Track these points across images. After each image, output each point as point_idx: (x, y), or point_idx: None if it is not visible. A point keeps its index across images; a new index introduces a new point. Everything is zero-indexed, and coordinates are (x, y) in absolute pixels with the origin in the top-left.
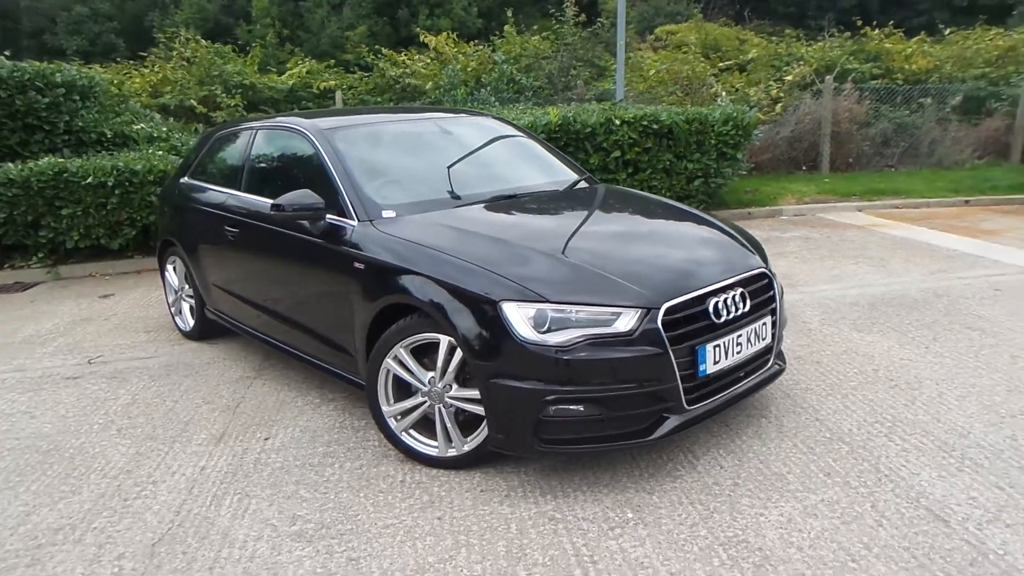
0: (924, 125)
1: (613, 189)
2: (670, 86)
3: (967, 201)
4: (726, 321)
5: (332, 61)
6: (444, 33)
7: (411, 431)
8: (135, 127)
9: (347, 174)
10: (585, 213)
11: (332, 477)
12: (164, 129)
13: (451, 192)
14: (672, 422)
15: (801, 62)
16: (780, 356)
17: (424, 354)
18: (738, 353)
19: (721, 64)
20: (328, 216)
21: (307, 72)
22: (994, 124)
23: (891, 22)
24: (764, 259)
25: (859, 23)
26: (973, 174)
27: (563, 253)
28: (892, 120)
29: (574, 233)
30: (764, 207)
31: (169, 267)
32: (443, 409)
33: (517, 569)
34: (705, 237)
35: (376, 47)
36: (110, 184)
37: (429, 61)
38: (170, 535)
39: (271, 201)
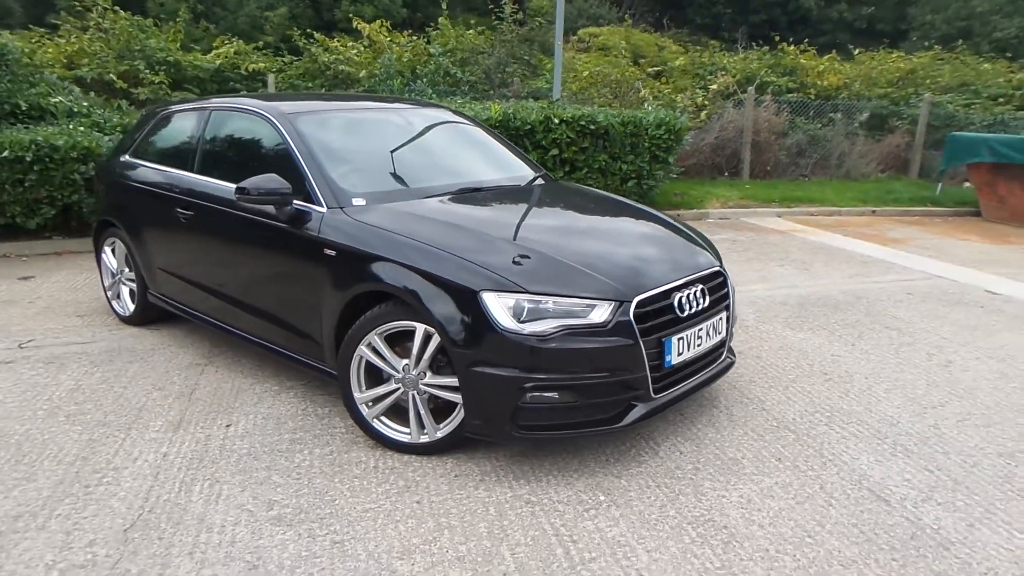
0: (834, 138)
1: (572, 186)
2: (601, 88)
3: (874, 211)
4: (689, 315)
5: (260, 43)
6: (378, 21)
7: (382, 418)
8: (52, 100)
9: (314, 160)
10: (551, 208)
11: (303, 463)
12: (85, 104)
13: (416, 182)
14: (640, 410)
15: (723, 72)
16: (730, 350)
17: (397, 342)
18: (698, 346)
19: (650, 69)
20: (295, 202)
21: (235, 53)
22: (895, 141)
23: (801, 39)
24: (719, 259)
25: (776, 38)
26: (877, 186)
27: (537, 246)
28: (806, 132)
29: (544, 227)
30: (692, 210)
31: (107, 249)
32: (416, 396)
33: (501, 548)
34: (666, 236)
35: (308, 31)
36: (28, 159)
37: (362, 49)
38: (142, 521)
39: (230, 184)
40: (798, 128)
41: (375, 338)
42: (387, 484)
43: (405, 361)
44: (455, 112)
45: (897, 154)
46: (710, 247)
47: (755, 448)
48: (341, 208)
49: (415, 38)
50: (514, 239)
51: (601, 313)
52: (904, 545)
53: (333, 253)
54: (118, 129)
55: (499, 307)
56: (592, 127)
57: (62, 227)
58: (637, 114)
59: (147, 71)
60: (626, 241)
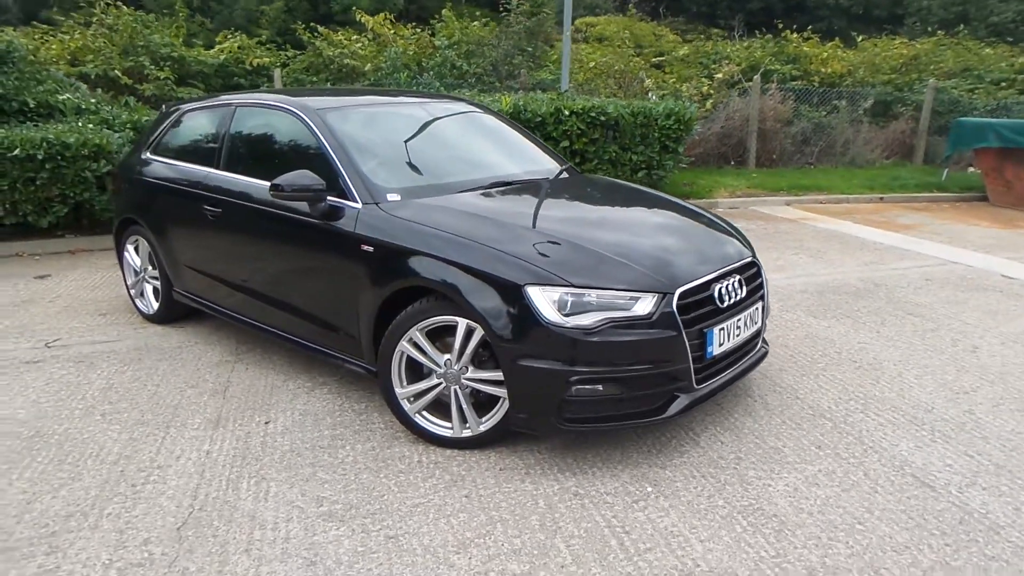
0: (839, 126)
1: (599, 178)
2: (606, 79)
3: (881, 198)
4: (728, 306)
5: (263, 37)
6: (381, 14)
7: (423, 412)
8: (61, 97)
9: (347, 156)
10: (584, 201)
11: (347, 459)
12: (93, 101)
13: (447, 177)
14: (683, 401)
15: (727, 61)
16: (763, 340)
17: (437, 337)
18: (737, 336)
19: (654, 59)
20: (328, 198)
21: (239, 47)
22: (900, 127)
23: (798, 26)
24: (751, 249)
25: (779, 25)
26: (883, 173)
27: (576, 239)
28: (810, 120)
29: (581, 220)
30: (701, 199)
31: (129, 247)
32: (459, 391)
33: (555, 541)
34: (701, 227)
35: (311, 24)
36: (40, 158)
37: (366, 42)
38: (194, 519)
39: (260, 181)
40: (803, 116)
41: (417, 333)
42: (433, 479)
43: (447, 356)
44: (478, 105)
45: (902, 140)
46: (742, 238)
47: (794, 436)
48: (376, 204)
49: (419, 31)
50: (553, 233)
51: (645, 305)
52: (954, 530)
53: (370, 249)
54: (128, 126)
55: (544, 301)
56: (602, 118)
57: (74, 225)
58: (647, 104)
59: (152, 67)
60: (663, 233)
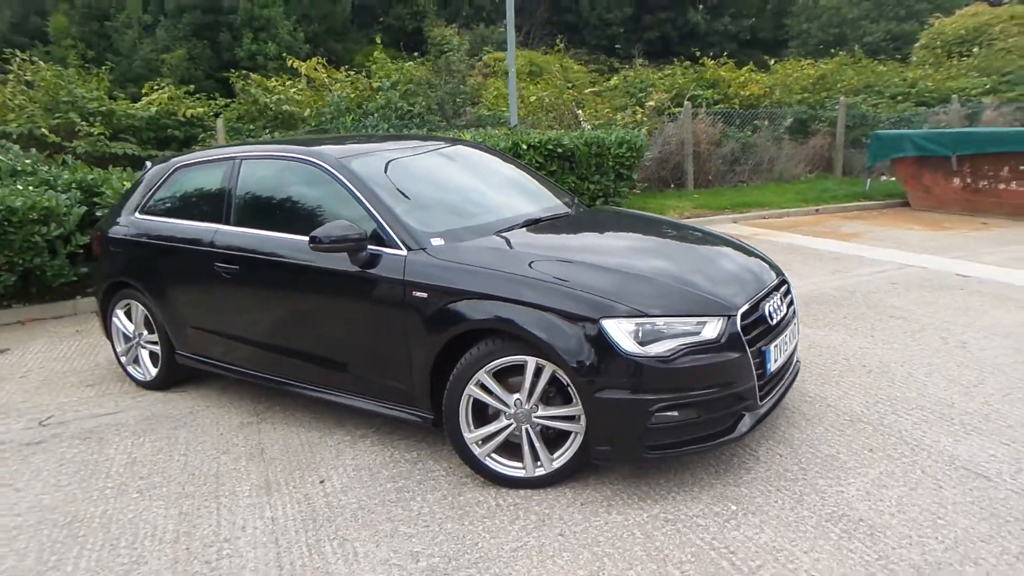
0: (763, 144)
1: (614, 209)
2: (545, 113)
3: (817, 209)
4: (777, 323)
5: (192, 87)
6: (314, 59)
7: (493, 455)
8: None
9: (381, 203)
10: (618, 232)
11: (423, 510)
12: (27, 161)
13: (477, 218)
14: (750, 419)
15: (654, 89)
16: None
17: (500, 378)
18: (786, 351)
19: (587, 91)
20: (369, 247)
21: (169, 99)
22: (818, 142)
23: (691, 52)
24: (779, 268)
25: (695, 53)
26: (811, 186)
27: (634, 269)
28: (738, 140)
29: (625, 250)
30: None
31: (119, 312)
32: (530, 429)
33: (668, 568)
34: (733, 251)
35: (243, 72)
36: None
37: (300, 88)
38: None
39: (284, 235)
40: (730, 137)
41: (485, 376)
42: (520, 521)
43: (515, 396)
44: (476, 145)
45: (821, 154)
46: (766, 257)
47: (843, 443)
48: (423, 249)
49: (353, 74)
50: (608, 265)
51: (712, 329)
52: None
53: (424, 295)
54: (72, 186)
55: (621, 333)
56: (559, 150)
57: (20, 294)
58: (599, 135)
59: (83, 122)
60: (704, 259)
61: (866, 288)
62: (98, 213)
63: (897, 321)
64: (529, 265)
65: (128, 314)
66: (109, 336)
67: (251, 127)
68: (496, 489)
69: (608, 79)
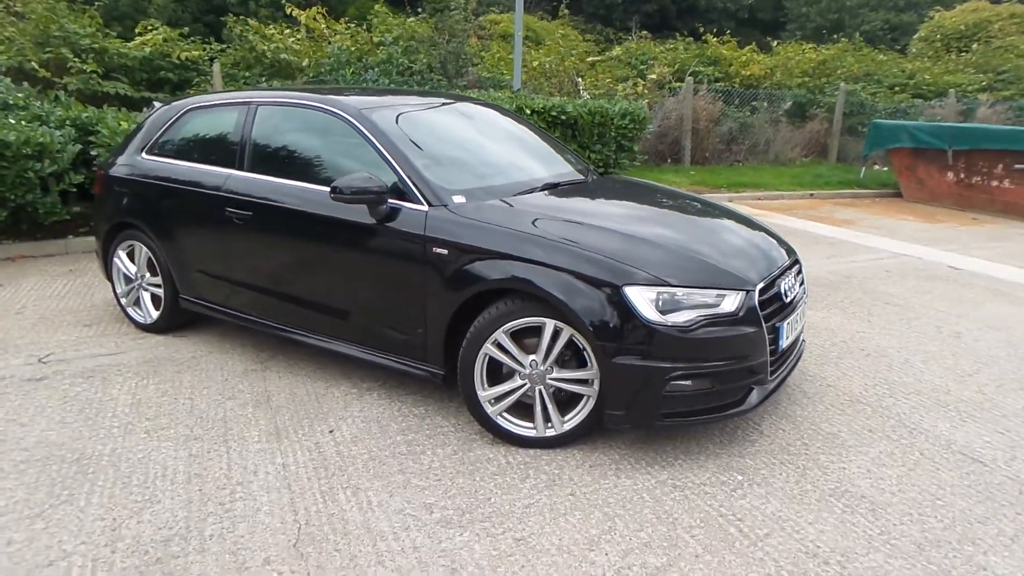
0: (760, 126)
1: (631, 179)
2: (548, 79)
3: (812, 194)
4: (790, 301)
5: (186, 29)
6: (314, 8)
7: (504, 414)
8: None
9: (403, 157)
10: (638, 201)
11: (434, 464)
12: (20, 95)
13: (498, 178)
14: (759, 393)
15: (656, 63)
16: None
17: (516, 338)
18: (795, 329)
19: (589, 60)
20: (390, 200)
21: (163, 40)
22: (815, 127)
23: (689, 27)
24: (791, 247)
25: (700, 29)
26: (806, 170)
27: (658, 238)
28: (736, 120)
29: (646, 219)
30: None
31: (121, 253)
32: (544, 390)
33: (678, 532)
34: (748, 227)
35: (240, 16)
36: None
37: (300, 37)
38: (306, 535)
39: (301, 183)
40: (728, 116)
41: (502, 335)
42: (531, 479)
43: (532, 357)
44: (492, 106)
45: (817, 140)
46: (779, 236)
47: (844, 422)
48: (445, 206)
49: (353, 26)
50: (632, 232)
51: (731, 302)
52: (1019, 500)
53: (444, 252)
54: (67, 122)
55: (643, 300)
56: (563, 117)
57: (10, 230)
58: (604, 104)
59: (75, 59)
60: (724, 233)
61: (862, 274)
62: (93, 152)
63: (893, 308)
64: (553, 228)
65: (131, 255)
66: (109, 277)
67: (246, 74)
68: (505, 447)
69: (606, 49)
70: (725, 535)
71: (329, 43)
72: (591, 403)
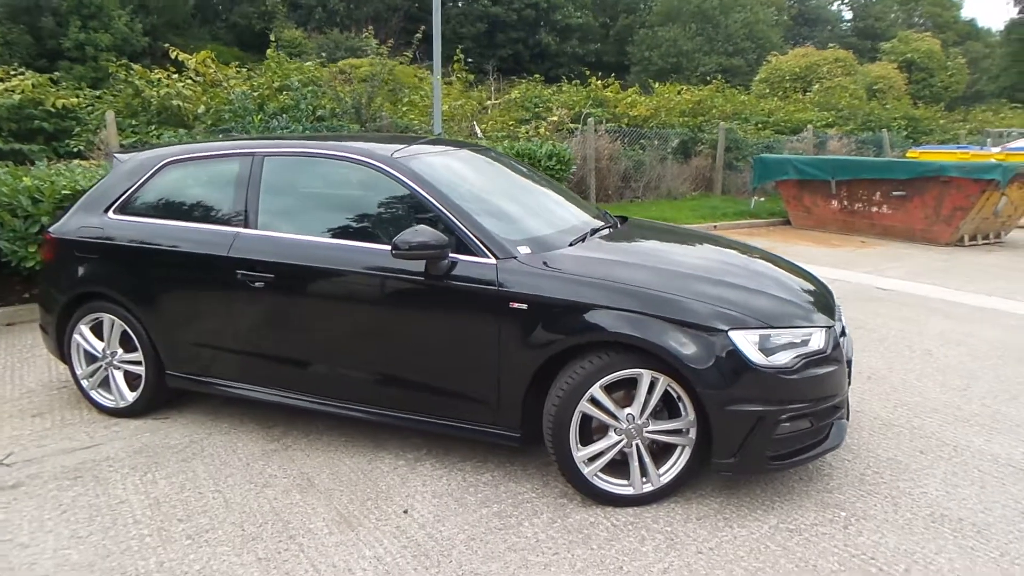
0: (650, 163)
1: (658, 223)
2: (454, 122)
3: (715, 226)
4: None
5: (57, 74)
6: (203, 52)
7: (599, 473)
8: None
9: (457, 207)
10: (688, 245)
11: (540, 536)
12: None
13: (545, 227)
14: (841, 427)
15: (558, 106)
16: None
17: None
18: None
19: (486, 103)
20: (451, 254)
21: (32, 86)
22: (699, 163)
23: (542, 71)
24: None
25: (587, 72)
26: (700, 204)
27: (736, 279)
28: (630, 158)
29: (710, 264)
30: None
31: (83, 328)
32: (641, 445)
33: None
34: (785, 265)
35: (126, 62)
36: None
37: (189, 82)
38: None
39: (335, 241)
40: (623, 155)
41: (598, 391)
42: (648, 541)
43: (628, 410)
44: (494, 152)
45: (703, 174)
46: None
47: (893, 446)
48: (514, 258)
49: (243, 71)
50: (712, 276)
51: (818, 340)
52: None
53: (524, 306)
54: None
55: (748, 344)
56: None
57: None
58: (530, 146)
59: None
60: (779, 274)
61: None
62: None
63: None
64: (637, 276)
65: (96, 330)
66: (64, 357)
67: (133, 122)
68: (601, 508)
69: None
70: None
71: (224, 88)
72: (687, 453)
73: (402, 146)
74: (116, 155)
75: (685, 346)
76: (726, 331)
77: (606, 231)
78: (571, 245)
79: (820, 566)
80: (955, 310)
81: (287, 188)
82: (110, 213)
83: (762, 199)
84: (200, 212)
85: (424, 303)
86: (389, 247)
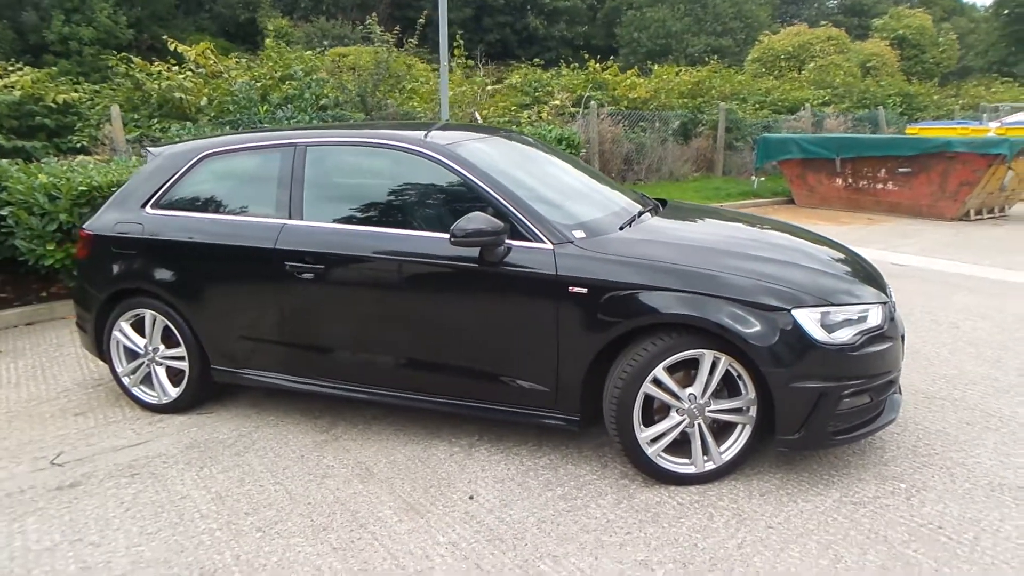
0: (651, 145)
1: (691, 204)
2: (458, 108)
3: (721, 206)
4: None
5: (55, 70)
6: (202, 44)
7: (662, 453)
8: None
9: (509, 194)
10: (736, 225)
11: (610, 517)
12: None
13: (594, 211)
14: (895, 403)
15: (560, 89)
16: None
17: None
18: None
19: (489, 88)
20: (507, 241)
21: (32, 82)
22: (700, 144)
23: (531, 55)
24: None
25: (584, 56)
26: (703, 184)
27: (791, 259)
28: (631, 140)
29: (766, 243)
30: None
31: (124, 325)
32: (703, 424)
33: (899, 550)
34: (828, 243)
35: (124, 55)
36: None
37: (190, 74)
38: None
39: (388, 230)
40: (625, 137)
41: (661, 372)
42: (718, 519)
43: (690, 390)
44: (529, 137)
45: (704, 156)
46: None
47: (939, 418)
48: (571, 242)
49: (242, 61)
50: (767, 255)
51: (875, 316)
52: None
53: (583, 291)
54: None
55: (811, 322)
56: None
57: None
58: (540, 131)
59: None
60: (824, 252)
61: None
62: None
63: None
64: (695, 258)
65: (138, 327)
66: (103, 354)
67: (134, 116)
68: (664, 488)
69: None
70: (940, 545)
71: (227, 79)
72: (747, 431)
73: (443, 132)
74: (150, 149)
75: (749, 326)
76: (789, 310)
77: (649, 214)
78: (620, 229)
79: (890, 536)
80: (976, 284)
81: (331, 178)
82: (147, 208)
83: (763, 179)
84: (242, 205)
85: (479, 289)
86: (440, 234)
